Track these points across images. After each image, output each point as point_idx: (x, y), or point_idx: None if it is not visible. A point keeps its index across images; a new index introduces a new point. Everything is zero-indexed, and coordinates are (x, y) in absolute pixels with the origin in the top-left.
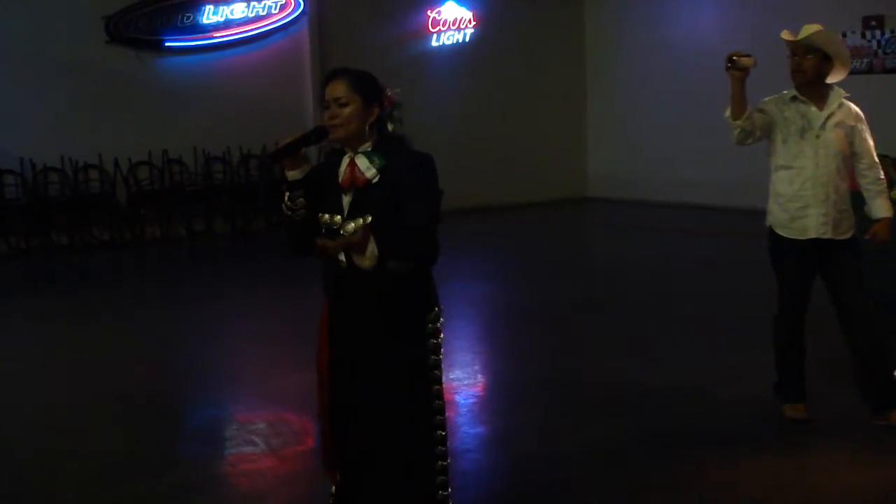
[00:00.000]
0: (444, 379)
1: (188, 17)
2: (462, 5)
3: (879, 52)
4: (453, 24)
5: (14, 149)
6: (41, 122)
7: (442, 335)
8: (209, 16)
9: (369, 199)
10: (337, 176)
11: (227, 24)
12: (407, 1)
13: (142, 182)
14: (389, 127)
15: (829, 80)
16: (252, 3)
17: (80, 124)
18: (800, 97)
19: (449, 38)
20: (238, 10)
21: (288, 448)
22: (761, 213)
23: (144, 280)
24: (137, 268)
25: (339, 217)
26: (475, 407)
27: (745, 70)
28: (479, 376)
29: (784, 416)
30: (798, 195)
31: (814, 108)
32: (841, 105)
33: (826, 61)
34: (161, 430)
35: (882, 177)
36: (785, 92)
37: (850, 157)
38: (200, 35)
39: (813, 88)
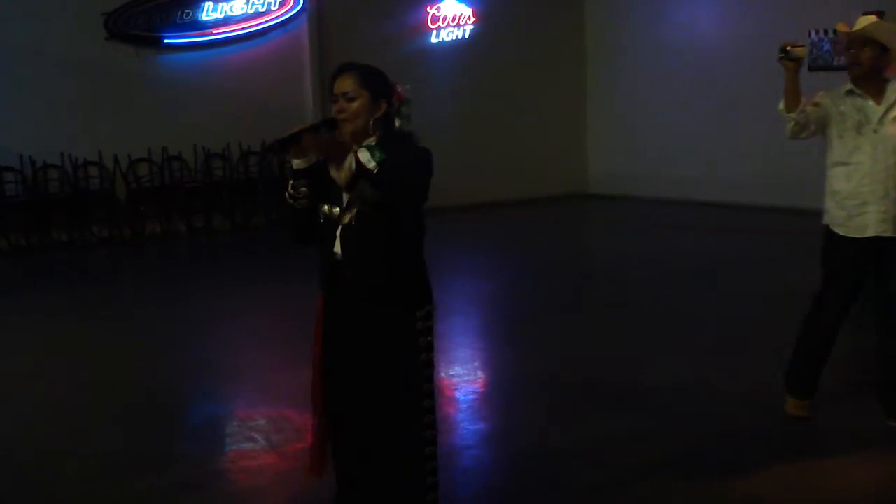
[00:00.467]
0: (444, 375)
1: (187, 14)
2: (462, 2)
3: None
4: (453, 21)
5: (14, 146)
6: (41, 119)
7: (434, 333)
8: (208, 12)
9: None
10: None
11: (227, 21)
12: None
13: (141, 179)
14: (397, 122)
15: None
16: (251, 0)
17: (80, 121)
18: (856, 91)
19: (448, 35)
20: (237, 7)
21: (288, 445)
22: (763, 210)
23: (144, 277)
24: (137, 265)
25: (337, 209)
26: (475, 403)
27: (798, 60)
28: (479, 373)
29: (785, 410)
30: (856, 192)
31: (871, 102)
32: None
33: (884, 53)
34: (161, 426)
35: None
36: (841, 85)
37: None
38: (200, 32)
39: (870, 82)
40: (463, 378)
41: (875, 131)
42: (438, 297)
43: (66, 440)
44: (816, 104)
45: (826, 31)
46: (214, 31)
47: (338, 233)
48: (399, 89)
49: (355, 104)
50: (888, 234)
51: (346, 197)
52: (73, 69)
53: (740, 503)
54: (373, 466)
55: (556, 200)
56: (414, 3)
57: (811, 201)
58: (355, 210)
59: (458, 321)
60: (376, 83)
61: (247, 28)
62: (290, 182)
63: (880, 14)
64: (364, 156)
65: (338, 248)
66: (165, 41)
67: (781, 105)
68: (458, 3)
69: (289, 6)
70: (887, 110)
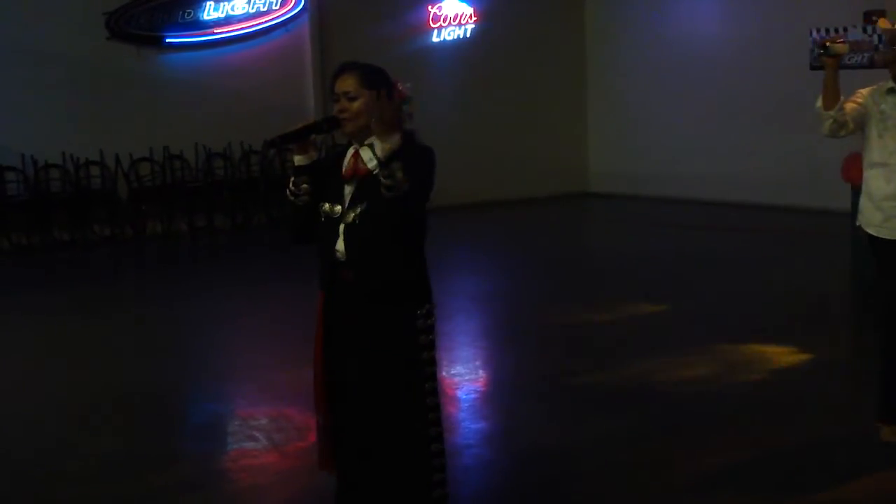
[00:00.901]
0: (445, 374)
1: (189, 14)
2: (463, 1)
3: (881, 46)
4: (454, 20)
5: (15, 145)
6: (42, 119)
7: (435, 332)
8: (210, 12)
9: (369, 189)
10: (340, 167)
11: (228, 21)
12: None
13: (143, 178)
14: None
15: None
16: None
17: (82, 121)
18: None
19: (450, 34)
20: (239, 7)
21: (290, 444)
22: (763, 208)
23: (145, 276)
24: (138, 264)
25: (339, 207)
26: (476, 402)
27: (838, 57)
28: (481, 372)
29: (881, 438)
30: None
31: None
32: None
33: None
34: (162, 426)
35: None
36: (881, 83)
37: None
38: (201, 31)
39: None
40: (464, 377)
41: None
42: (438, 296)
43: (66, 440)
44: (856, 102)
45: (828, 31)
46: (216, 31)
47: (340, 231)
48: (401, 87)
49: (357, 103)
50: None
51: (347, 195)
52: (75, 69)
53: (740, 502)
54: (375, 465)
55: (556, 199)
56: (415, 3)
57: (812, 200)
58: (359, 209)
59: (458, 320)
60: (378, 82)
61: (248, 27)
62: (292, 179)
63: (882, 13)
64: (366, 154)
65: (340, 246)
66: (167, 41)
67: (819, 102)
68: (459, 3)
69: (290, 5)
70: None
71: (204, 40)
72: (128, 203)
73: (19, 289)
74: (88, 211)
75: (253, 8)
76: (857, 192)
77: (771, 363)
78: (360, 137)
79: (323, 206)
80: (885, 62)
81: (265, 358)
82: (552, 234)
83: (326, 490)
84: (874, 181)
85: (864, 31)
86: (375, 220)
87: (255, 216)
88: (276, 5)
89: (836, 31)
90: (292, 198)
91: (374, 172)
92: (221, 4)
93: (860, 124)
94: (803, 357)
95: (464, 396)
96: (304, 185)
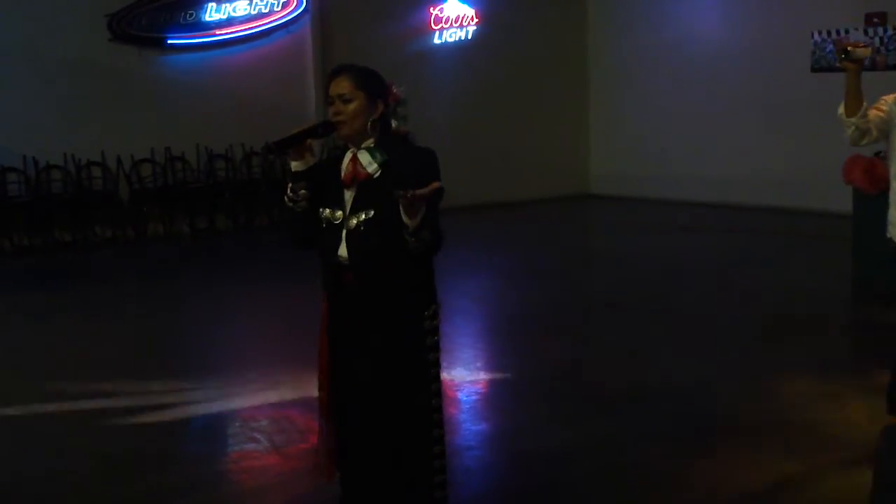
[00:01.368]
0: (446, 376)
1: (190, 15)
2: (464, 2)
3: (882, 48)
4: (455, 22)
5: (17, 146)
6: (44, 120)
7: (440, 332)
8: (212, 13)
9: (371, 194)
10: (339, 172)
11: (230, 22)
12: None
13: (144, 179)
14: (394, 123)
15: None
16: (254, 1)
17: (83, 122)
18: None
19: (451, 36)
20: (240, 8)
21: (291, 445)
22: (764, 210)
23: (147, 277)
24: (140, 265)
25: (339, 212)
26: (477, 404)
27: (860, 62)
28: (482, 373)
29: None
30: None
31: None
32: None
33: None
34: (163, 427)
35: None
36: None
37: None
38: (203, 32)
39: None
40: (465, 378)
41: None
42: (441, 297)
43: (66, 440)
44: (880, 109)
45: (829, 33)
46: (217, 32)
47: (343, 236)
48: (395, 90)
49: (352, 106)
50: None
51: (348, 200)
52: (77, 70)
53: (740, 502)
54: (381, 467)
55: (557, 201)
56: (417, 4)
57: (813, 202)
58: (363, 216)
59: (460, 321)
60: (372, 84)
61: (250, 29)
62: (289, 185)
63: (882, 15)
64: (365, 158)
65: (342, 252)
66: (169, 42)
67: (841, 109)
68: (460, 4)
69: (292, 7)
70: None
71: (206, 42)
72: (129, 204)
73: (20, 289)
74: (90, 212)
75: (255, 9)
76: (857, 193)
77: (771, 366)
78: (356, 140)
79: (323, 211)
80: None
81: (267, 359)
82: (553, 236)
83: (327, 492)
84: None
85: (866, 32)
86: (381, 228)
87: (257, 217)
88: (277, 7)
89: (838, 32)
90: (291, 204)
91: (375, 176)
92: (223, 6)
93: (884, 132)
94: (803, 359)
95: (465, 398)
96: (303, 191)
